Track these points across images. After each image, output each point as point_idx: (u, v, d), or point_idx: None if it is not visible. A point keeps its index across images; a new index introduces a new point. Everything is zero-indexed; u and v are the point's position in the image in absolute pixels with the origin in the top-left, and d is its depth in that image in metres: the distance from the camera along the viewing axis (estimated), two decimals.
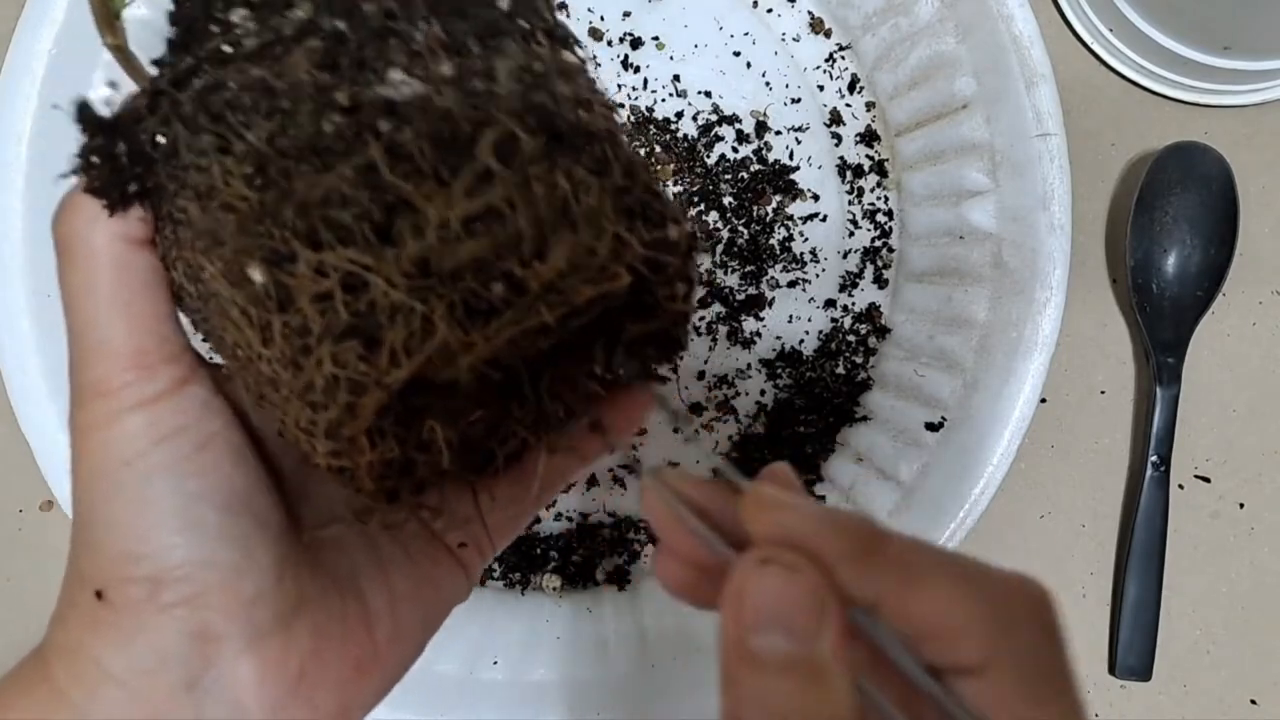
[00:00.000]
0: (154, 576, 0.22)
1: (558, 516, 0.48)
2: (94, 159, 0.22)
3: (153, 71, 0.23)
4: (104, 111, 0.22)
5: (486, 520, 0.27)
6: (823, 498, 0.47)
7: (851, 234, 0.50)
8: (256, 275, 0.21)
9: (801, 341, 0.49)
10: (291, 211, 0.20)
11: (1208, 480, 0.50)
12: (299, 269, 0.20)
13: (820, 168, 0.50)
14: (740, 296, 0.49)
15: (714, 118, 0.50)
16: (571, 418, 0.24)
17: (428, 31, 0.21)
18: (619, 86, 0.50)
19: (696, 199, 0.49)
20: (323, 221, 0.20)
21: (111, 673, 0.22)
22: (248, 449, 0.24)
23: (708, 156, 0.50)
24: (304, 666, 0.24)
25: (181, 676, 0.22)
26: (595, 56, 0.50)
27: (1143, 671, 0.48)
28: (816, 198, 0.50)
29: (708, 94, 0.50)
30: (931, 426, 0.45)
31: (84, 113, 0.22)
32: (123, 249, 0.22)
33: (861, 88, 0.51)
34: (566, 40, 0.24)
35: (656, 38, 0.51)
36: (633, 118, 0.50)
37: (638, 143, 0.50)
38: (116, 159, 0.22)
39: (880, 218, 0.50)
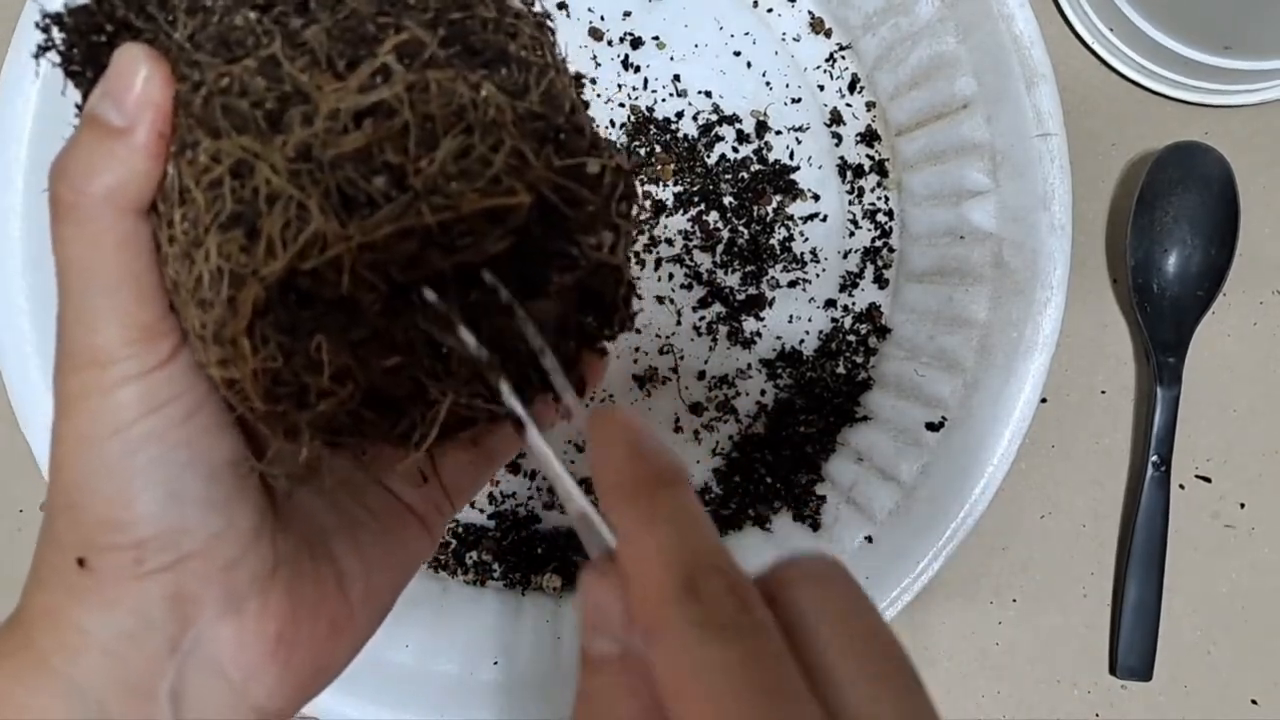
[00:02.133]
0: (137, 543, 0.22)
1: (562, 514, 0.49)
2: (50, 43, 0.22)
3: None
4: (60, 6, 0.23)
5: (443, 480, 0.27)
6: (823, 498, 0.47)
7: (852, 234, 0.50)
8: (169, 168, 0.21)
9: (802, 341, 0.49)
10: (199, 100, 0.20)
11: (1208, 480, 0.50)
12: (199, 157, 0.20)
13: (820, 168, 0.50)
14: (740, 296, 0.49)
15: (714, 117, 0.50)
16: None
17: None
18: (619, 86, 0.50)
19: (696, 199, 0.49)
20: (222, 109, 0.20)
21: (94, 637, 0.22)
22: (229, 415, 0.23)
23: (708, 156, 0.50)
24: (281, 628, 0.24)
25: (163, 640, 0.23)
26: (595, 56, 0.50)
27: (1143, 672, 0.48)
28: (817, 198, 0.50)
29: (708, 94, 0.50)
30: (932, 426, 0.45)
31: (47, 11, 0.22)
32: (132, 222, 0.22)
33: (862, 88, 0.51)
34: None
35: (657, 37, 0.50)
36: (633, 117, 0.50)
37: (638, 143, 0.50)
38: (69, 44, 0.22)
39: (881, 218, 0.50)
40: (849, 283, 0.50)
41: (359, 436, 0.22)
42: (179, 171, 0.21)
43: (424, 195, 0.19)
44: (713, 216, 0.49)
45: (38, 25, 0.22)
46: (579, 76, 0.47)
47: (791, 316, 0.49)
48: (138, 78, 0.21)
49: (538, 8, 0.24)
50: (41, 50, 0.23)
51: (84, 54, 0.23)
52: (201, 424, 0.23)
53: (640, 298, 0.49)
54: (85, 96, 0.23)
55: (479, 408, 0.22)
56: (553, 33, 0.24)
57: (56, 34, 0.23)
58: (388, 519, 0.27)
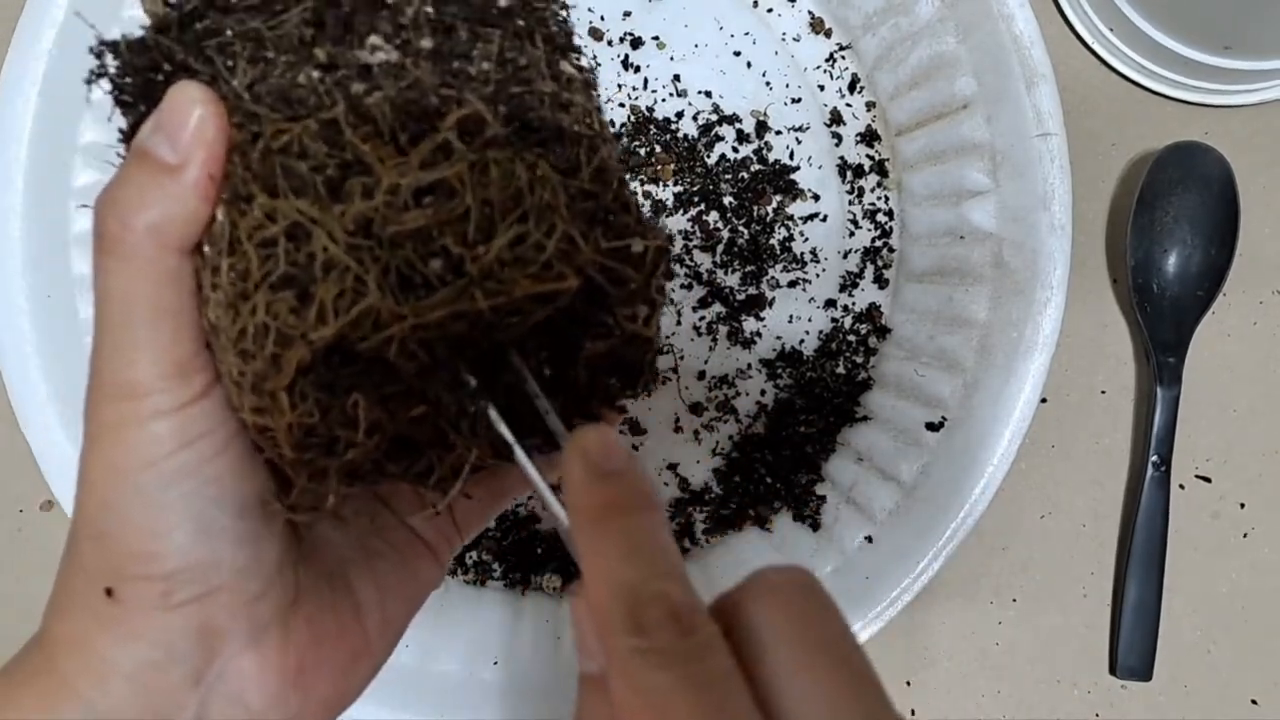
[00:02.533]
0: (166, 576, 0.22)
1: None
2: (103, 70, 0.23)
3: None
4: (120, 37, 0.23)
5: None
6: (823, 498, 0.47)
7: (852, 234, 0.50)
8: (218, 213, 0.21)
9: (802, 341, 0.49)
10: (257, 155, 0.20)
11: (1208, 480, 0.50)
12: (253, 212, 0.20)
13: (820, 168, 0.50)
14: (740, 296, 0.49)
15: (714, 117, 0.50)
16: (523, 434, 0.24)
17: (418, 7, 0.21)
18: (619, 86, 0.50)
19: (696, 199, 0.49)
20: (281, 169, 0.20)
21: (119, 668, 0.22)
22: (257, 452, 0.24)
23: (708, 156, 0.50)
24: (302, 659, 0.24)
25: (187, 672, 0.23)
26: (595, 56, 0.50)
27: (1143, 672, 0.48)
28: (817, 198, 0.50)
29: (708, 94, 0.50)
30: (932, 426, 0.45)
31: (104, 43, 0.22)
32: (176, 260, 0.22)
33: (862, 87, 0.51)
34: (567, 50, 0.24)
35: (657, 37, 0.50)
36: (633, 117, 0.50)
37: (638, 143, 0.50)
38: (123, 74, 0.22)
39: (881, 218, 0.50)
40: (849, 283, 0.50)
41: (380, 478, 0.23)
42: (230, 220, 0.21)
43: (479, 281, 0.20)
44: (713, 216, 0.49)
45: (92, 51, 0.22)
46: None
47: (791, 316, 0.49)
48: (193, 116, 0.21)
49: (584, 63, 0.24)
50: (94, 76, 0.23)
51: (138, 88, 0.23)
52: (231, 460, 0.23)
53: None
54: (133, 126, 0.23)
55: (492, 461, 0.23)
56: (597, 94, 0.24)
57: (110, 62, 0.23)
58: (402, 550, 0.28)
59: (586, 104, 0.23)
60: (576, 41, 0.24)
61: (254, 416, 0.21)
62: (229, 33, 0.21)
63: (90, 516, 0.22)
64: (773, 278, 0.49)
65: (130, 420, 0.22)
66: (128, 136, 0.23)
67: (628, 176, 0.48)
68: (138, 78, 0.22)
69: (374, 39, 0.21)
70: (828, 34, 0.51)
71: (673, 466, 0.48)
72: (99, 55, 0.22)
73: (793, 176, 0.50)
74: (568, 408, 0.24)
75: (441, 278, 0.20)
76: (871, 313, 0.49)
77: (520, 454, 0.23)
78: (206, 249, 0.22)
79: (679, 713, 0.17)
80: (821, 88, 0.51)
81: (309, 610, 0.25)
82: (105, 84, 0.23)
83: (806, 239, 0.50)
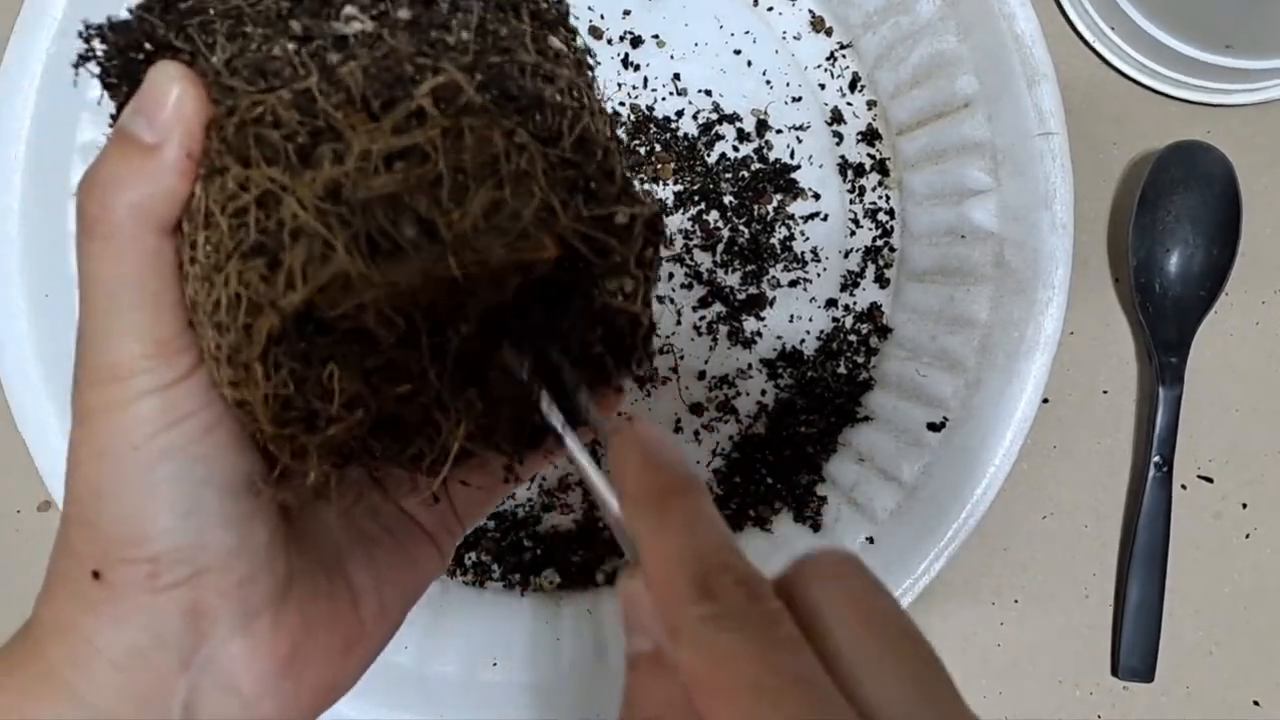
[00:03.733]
0: (153, 558, 0.22)
1: (565, 510, 0.48)
2: (91, 53, 0.23)
3: None
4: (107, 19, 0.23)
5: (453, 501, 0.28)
6: (824, 499, 0.47)
7: (853, 233, 0.50)
8: (196, 189, 0.21)
9: (803, 341, 0.49)
10: (232, 128, 0.20)
11: (1210, 481, 0.50)
12: (226, 183, 0.20)
13: (821, 167, 0.50)
14: (741, 296, 0.49)
15: (714, 116, 0.50)
16: (507, 412, 0.23)
17: None
18: (619, 85, 0.50)
19: (697, 198, 0.49)
20: (254, 139, 0.20)
21: (106, 653, 0.22)
22: (245, 432, 0.24)
23: (708, 155, 0.50)
24: (294, 645, 0.24)
25: (176, 656, 0.23)
26: (595, 55, 0.50)
27: (1145, 673, 0.47)
28: (818, 197, 0.50)
29: (708, 92, 0.50)
30: (933, 426, 0.45)
31: (91, 26, 0.23)
32: (157, 239, 0.22)
33: (863, 86, 0.51)
34: (557, 26, 0.24)
35: (657, 36, 0.50)
36: (633, 116, 0.50)
37: (638, 142, 0.49)
38: (109, 57, 0.23)
39: (882, 217, 0.50)
40: (850, 282, 0.50)
41: (368, 460, 0.22)
42: (206, 195, 0.21)
43: (453, 247, 0.19)
44: (713, 216, 0.49)
45: (80, 35, 0.23)
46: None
47: (792, 316, 0.49)
48: (170, 96, 0.21)
49: (579, 42, 0.24)
50: (82, 60, 0.23)
51: (121, 68, 0.23)
52: (219, 440, 0.23)
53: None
54: (120, 108, 0.23)
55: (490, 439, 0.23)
56: (592, 70, 0.24)
57: (98, 45, 0.23)
58: (401, 537, 0.28)
59: (575, 79, 0.23)
60: (574, 22, 0.24)
61: (232, 391, 0.21)
62: (211, 10, 0.21)
63: (79, 501, 0.22)
64: (773, 277, 0.49)
65: (116, 402, 0.22)
66: (115, 120, 0.23)
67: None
68: (121, 58, 0.22)
69: (349, 9, 0.21)
70: (828, 32, 0.51)
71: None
72: (87, 40, 0.23)
73: (793, 175, 0.50)
74: (561, 389, 0.23)
75: (415, 243, 0.19)
76: (872, 312, 0.49)
77: (571, 441, 0.22)
78: (185, 226, 0.22)
79: (751, 671, 0.17)
80: (822, 86, 0.51)
81: (302, 595, 0.24)
82: (94, 68, 0.23)
83: (807, 238, 0.50)
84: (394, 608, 0.27)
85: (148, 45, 0.22)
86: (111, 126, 0.23)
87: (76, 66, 0.23)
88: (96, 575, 0.22)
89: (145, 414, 0.22)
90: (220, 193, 0.20)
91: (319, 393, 0.20)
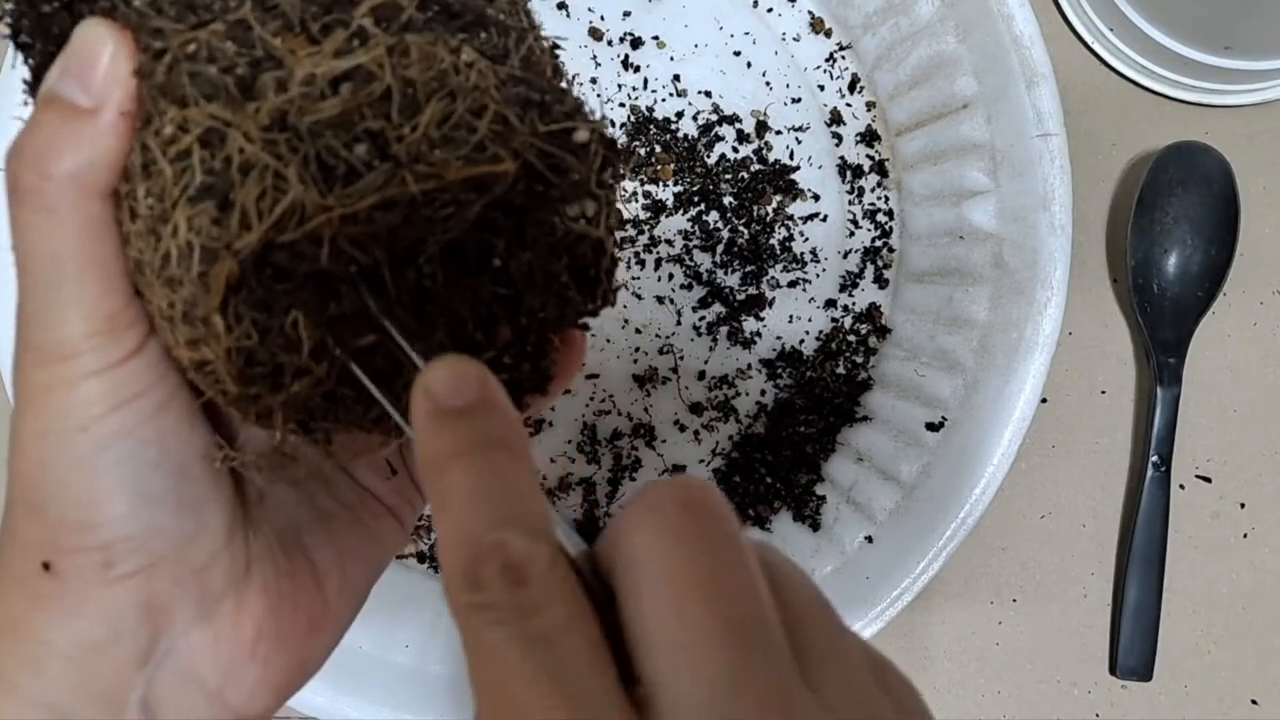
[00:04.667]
0: (105, 546, 0.21)
1: (564, 510, 0.48)
2: (3, 11, 0.22)
3: None
4: None
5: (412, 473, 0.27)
6: (823, 498, 0.47)
7: (852, 234, 0.50)
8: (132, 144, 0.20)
9: (802, 341, 0.49)
10: (163, 70, 0.19)
11: (1208, 480, 0.50)
12: (164, 128, 0.19)
13: (820, 167, 0.50)
14: (740, 296, 0.49)
15: (714, 117, 0.50)
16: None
17: None
18: (619, 86, 0.50)
19: (696, 199, 0.49)
20: (189, 77, 0.19)
21: (58, 649, 0.21)
22: (198, 410, 0.23)
23: (708, 156, 0.50)
24: (259, 629, 0.23)
25: (132, 650, 0.22)
26: (595, 56, 0.50)
27: (1143, 672, 0.48)
28: (817, 197, 0.50)
29: (708, 94, 0.50)
30: (932, 426, 0.45)
31: None
32: (98, 206, 0.20)
33: (862, 87, 0.51)
34: None
35: (656, 37, 0.50)
36: (633, 117, 0.50)
37: (638, 143, 0.49)
38: (18, 14, 0.21)
39: (881, 218, 0.50)
40: (849, 283, 0.50)
41: (333, 420, 0.21)
42: (141, 145, 0.20)
43: (408, 164, 0.19)
44: (713, 216, 0.49)
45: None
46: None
47: (791, 316, 0.49)
48: (103, 55, 0.20)
49: None
50: None
51: (32, 24, 0.21)
52: (170, 420, 0.22)
53: (640, 297, 0.49)
54: (36, 70, 0.22)
55: None
56: None
57: (4, 3, 0.21)
58: (360, 512, 0.27)
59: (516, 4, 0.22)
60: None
61: (190, 351, 0.20)
62: None
63: (25, 487, 0.21)
64: (773, 278, 0.49)
65: (59, 383, 0.21)
66: (33, 86, 0.22)
67: (624, 171, 0.47)
68: (31, 13, 0.21)
69: None
70: (828, 34, 0.51)
71: (674, 468, 0.48)
72: None
73: (793, 176, 0.50)
74: (525, 327, 0.22)
75: (368, 163, 0.19)
76: (871, 313, 0.49)
77: (380, 395, 0.21)
78: (122, 186, 0.20)
79: (509, 672, 0.16)
80: (821, 88, 0.51)
81: (262, 578, 0.23)
82: (1, 27, 0.22)
83: (806, 239, 0.50)
84: (358, 583, 0.26)
85: None
86: (29, 92, 0.22)
87: None
88: (47, 567, 0.21)
89: (92, 394, 0.21)
90: (158, 139, 0.19)
91: (282, 343, 0.20)
